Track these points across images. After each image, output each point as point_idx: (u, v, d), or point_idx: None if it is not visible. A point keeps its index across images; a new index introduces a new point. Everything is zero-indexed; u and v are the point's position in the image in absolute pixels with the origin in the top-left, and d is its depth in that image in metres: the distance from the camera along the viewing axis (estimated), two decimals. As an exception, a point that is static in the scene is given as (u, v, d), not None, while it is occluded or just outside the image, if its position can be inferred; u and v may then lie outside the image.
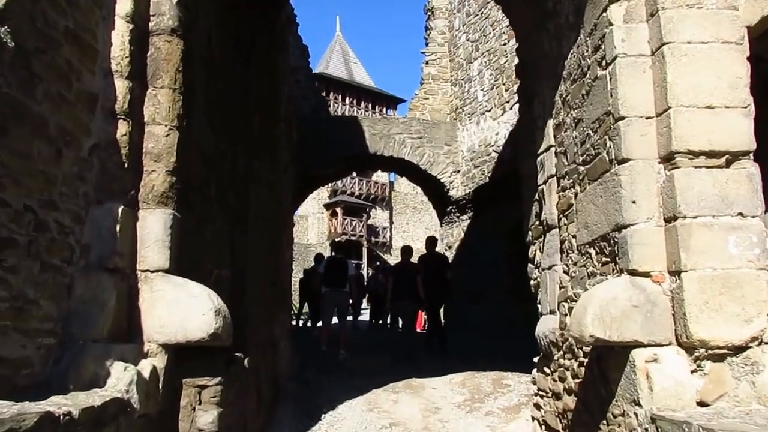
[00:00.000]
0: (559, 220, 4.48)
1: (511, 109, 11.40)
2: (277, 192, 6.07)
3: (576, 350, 4.01)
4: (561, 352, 4.33)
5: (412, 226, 44.24)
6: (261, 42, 5.19)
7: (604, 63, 3.59)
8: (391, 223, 44.09)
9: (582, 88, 3.94)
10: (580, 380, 3.96)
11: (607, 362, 3.45)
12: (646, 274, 3.25)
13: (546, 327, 4.60)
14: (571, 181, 4.20)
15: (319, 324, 12.90)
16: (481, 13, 12.50)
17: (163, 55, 3.38)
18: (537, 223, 5.17)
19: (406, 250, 9.71)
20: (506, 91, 11.57)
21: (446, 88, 13.76)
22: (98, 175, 3.03)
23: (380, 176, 43.69)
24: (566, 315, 4.24)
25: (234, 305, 4.36)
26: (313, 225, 42.05)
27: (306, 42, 13.46)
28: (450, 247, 13.44)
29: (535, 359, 5.11)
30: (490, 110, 12.12)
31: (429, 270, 9.57)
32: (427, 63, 13.89)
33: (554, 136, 4.59)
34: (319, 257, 12.63)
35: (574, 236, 4.14)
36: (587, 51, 3.85)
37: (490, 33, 12.17)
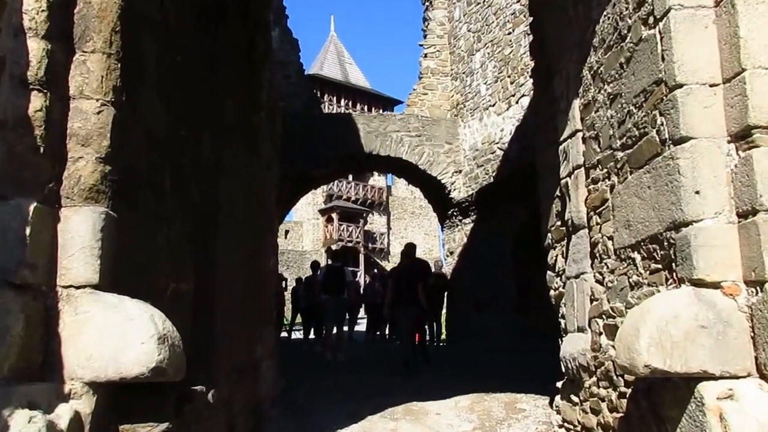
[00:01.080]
0: (589, 219, 3.80)
1: (517, 102, 10.76)
2: (257, 190, 5.38)
3: (615, 378, 3.32)
4: (594, 379, 3.64)
5: (410, 232, 43.66)
6: (232, 14, 4.52)
7: (651, 20, 2.92)
8: (389, 228, 43.50)
9: (620, 56, 3.27)
10: (621, 415, 3.27)
11: (661, 396, 2.76)
12: (716, 285, 2.57)
13: (574, 347, 3.91)
14: (606, 170, 3.52)
15: (312, 336, 12.21)
16: (483, 2, 11.86)
17: (94, 11, 2.69)
18: (559, 223, 4.49)
19: (407, 252, 8.95)
20: (511, 83, 10.93)
21: (446, 83, 13.10)
22: (2, 161, 2.35)
23: (377, 180, 43.15)
24: (601, 334, 3.56)
25: (198, 326, 3.67)
26: (308, 231, 41.44)
27: (300, 43, 12.83)
28: (452, 253, 12.76)
29: (559, 384, 4.42)
30: (494, 105, 11.47)
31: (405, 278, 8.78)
32: (425, 56, 13.24)
33: (581, 118, 3.92)
34: (315, 264, 11.94)
35: (610, 238, 3.46)
36: (627, 9, 3.17)
37: (493, 22, 11.53)
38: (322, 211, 40.73)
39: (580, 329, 3.89)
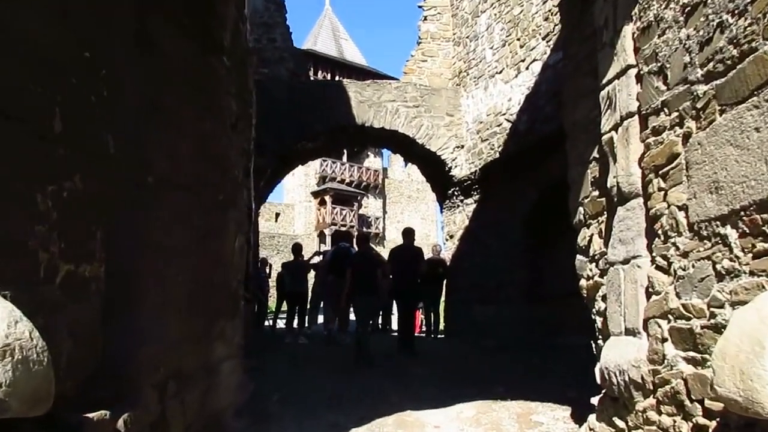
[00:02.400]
0: (647, 184, 2.86)
1: (527, 68, 9.79)
2: (217, 153, 4.44)
3: (690, 404, 2.42)
4: (651, 401, 2.73)
5: (407, 216, 42.81)
6: None
7: None
8: (385, 212, 42.60)
9: (707, -54, 2.33)
10: (697, 456, 2.38)
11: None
12: None
13: (621, 356, 2.99)
14: (676, 115, 2.58)
15: (296, 325, 11.29)
16: (491, -44, 10.84)
17: None
18: (596, 194, 3.57)
19: (361, 238, 9.16)
20: (521, 47, 9.94)
21: (448, 49, 12.09)
22: None
23: (372, 162, 42.23)
24: (665, 340, 2.64)
25: (113, 325, 2.76)
26: (300, 214, 40.52)
27: (293, 17, 11.84)
28: (452, 237, 11.83)
29: (594, 400, 3.51)
30: (500, 72, 10.48)
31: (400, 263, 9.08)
32: (425, 19, 12.21)
33: (636, 49, 2.98)
34: (296, 247, 11.01)
35: (682, 208, 2.54)
36: None
37: (501, -22, 10.51)
38: (315, 194, 39.76)
39: (631, 332, 2.97)
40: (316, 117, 10.97)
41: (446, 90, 11.62)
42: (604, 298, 3.44)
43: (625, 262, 3.03)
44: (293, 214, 41.01)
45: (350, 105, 11.13)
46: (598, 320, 3.56)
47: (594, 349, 3.70)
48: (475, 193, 11.04)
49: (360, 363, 7.50)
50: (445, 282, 11.64)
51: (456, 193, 11.50)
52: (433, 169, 11.92)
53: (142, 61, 3.13)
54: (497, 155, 10.36)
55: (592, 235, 3.65)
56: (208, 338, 4.30)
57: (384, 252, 37.31)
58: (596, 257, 3.58)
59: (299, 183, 40.52)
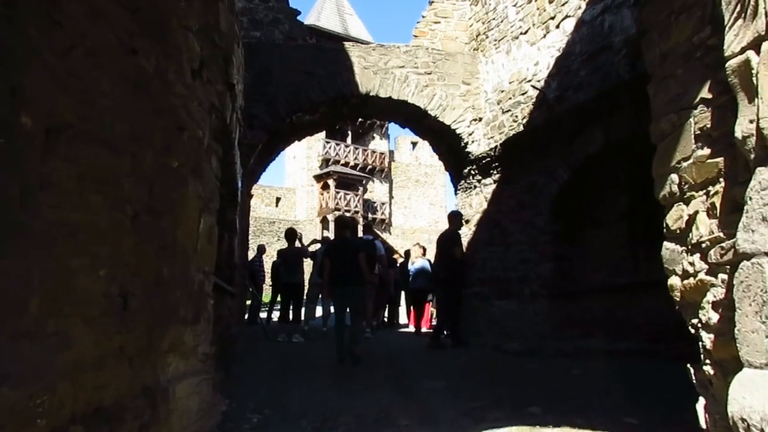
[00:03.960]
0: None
1: (557, 27, 8.67)
2: (166, 104, 3.38)
3: None
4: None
5: (414, 202, 41.83)
6: None
7: None
8: (391, 197, 41.53)
9: None
10: None
11: None
12: None
13: (773, 403, 1.94)
14: None
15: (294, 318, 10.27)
16: None
17: None
18: (704, 153, 2.49)
19: (339, 222, 8.44)
20: (550, 2, 8.82)
21: (464, 9, 10.94)
22: None
23: (378, 144, 41.20)
24: None
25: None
26: (302, 199, 39.55)
27: None
28: (467, 222, 10.76)
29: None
30: (526, 32, 9.36)
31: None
32: (438, -25, 11.07)
33: None
34: (290, 233, 9.96)
35: None
36: None
37: (527, -76, 9.36)
38: (318, 177, 38.75)
39: (790, 366, 1.92)
40: (313, 85, 9.90)
41: (462, 55, 10.50)
42: (716, 305, 2.39)
43: (773, 253, 1.97)
44: (295, 199, 40.04)
45: (353, 72, 10.04)
46: (706, 338, 2.50)
47: (694, 379, 2.65)
48: (495, 172, 9.96)
49: (343, 362, 7.07)
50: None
51: (473, 172, 10.42)
52: (447, 145, 10.84)
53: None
54: (521, 128, 9.28)
55: (696, 213, 2.58)
56: (154, 352, 3.27)
57: (390, 239, 36.31)
58: (703, 245, 2.51)
59: (301, 166, 39.52)
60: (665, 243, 2.84)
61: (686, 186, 2.62)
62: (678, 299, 2.75)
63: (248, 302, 12.43)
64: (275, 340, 9.27)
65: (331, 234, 36.16)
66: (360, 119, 39.40)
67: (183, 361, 3.72)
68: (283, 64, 9.90)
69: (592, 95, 7.82)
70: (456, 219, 9.72)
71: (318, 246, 10.62)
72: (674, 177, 2.72)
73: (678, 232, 2.71)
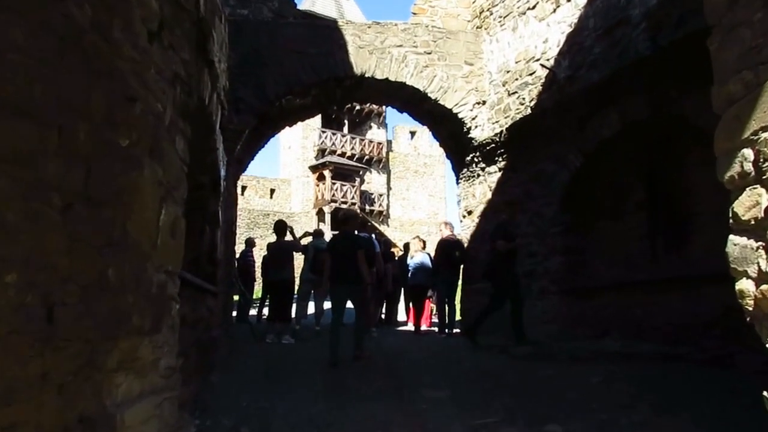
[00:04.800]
0: None
1: (569, 0, 8.08)
2: (110, 67, 2.81)
3: None
4: None
5: (413, 193, 41.31)
6: None
7: None
8: (389, 189, 40.96)
9: None
10: None
11: None
12: None
13: None
14: None
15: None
16: None
17: None
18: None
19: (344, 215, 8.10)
20: (561, -27, 8.23)
21: (466, -16, 10.36)
22: None
23: (376, 134, 40.61)
24: None
25: None
26: (297, 190, 39.01)
27: None
28: (470, 213, 10.20)
29: None
30: (533, 7, 8.78)
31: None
32: (438, -53, 10.46)
33: None
34: (280, 225, 9.37)
35: None
36: None
37: None
38: (313, 168, 38.17)
39: None
40: (305, 66, 9.31)
41: (464, 33, 9.91)
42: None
43: None
44: (290, 190, 39.48)
45: (347, 51, 9.46)
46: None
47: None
48: (500, 159, 9.40)
49: (336, 366, 6.63)
50: (462, 268, 10.06)
51: (476, 159, 9.86)
52: (448, 130, 10.26)
53: None
54: (528, 111, 8.72)
55: (777, 198, 2.03)
56: (97, 371, 2.70)
57: (388, 231, 35.80)
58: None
59: (296, 156, 38.95)
60: (732, 237, 2.28)
61: (766, 164, 2.06)
62: (750, 309, 2.19)
63: (235, 298, 11.88)
64: (264, 341, 8.72)
65: (326, 226, 35.68)
66: (356, 105, 38.85)
67: (138, 380, 3.16)
68: (271, 44, 9.31)
69: (608, 74, 7.25)
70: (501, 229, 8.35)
71: (310, 239, 10.05)
72: (747, 153, 2.15)
73: (752, 223, 2.15)
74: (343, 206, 37.06)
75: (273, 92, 9.29)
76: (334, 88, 9.80)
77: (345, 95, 10.16)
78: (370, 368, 6.58)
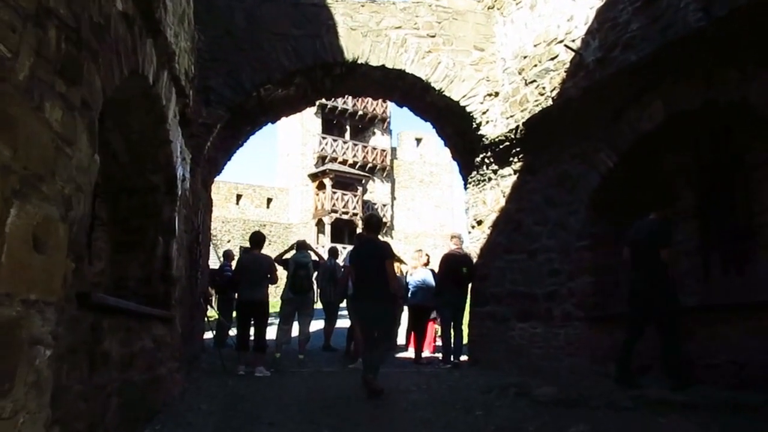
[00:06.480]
0: None
1: (598, -30, 6.94)
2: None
3: None
4: None
5: (418, 203, 40.34)
6: None
7: None
8: (393, 198, 39.97)
9: None
10: None
11: None
12: None
13: None
14: None
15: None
16: None
17: None
18: None
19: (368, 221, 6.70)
20: (589, -62, 7.10)
21: (477, -43, 9.27)
22: None
23: (379, 140, 39.71)
24: None
25: None
26: (296, 200, 38.09)
27: None
28: (480, 223, 9.04)
29: None
30: (556, -20, 7.65)
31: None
32: None
33: None
34: (257, 237, 8.18)
35: None
36: None
37: None
38: (313, 176, 37.26)
39: None
40: (286, 50, 8.25)
41: (474, 14, 8.81)
42: None
43: None
44: (288, 200, 38.53)
45: (337, 33, 8.38)
46: None
47: None
48: (516, 159, 8.27)
49: (374, 396, 5.90)
50: (470, 286, 8.90)
51: (487, 160, 8.72)
52: (455, 127, 9.14)
53: None
54: (550, 103, 7.61)
55: None
56: None
57: (392, 244, 34.81)
58: None
59: (295, 164, 38.01)
60: None
61: None
62: None
63: (211, 319, 10.74)
64: (235, 373, 7.54)
65: (326, 238, 34.53)
66: (359, 110, 37.86)
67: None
68: (248, 24, 8.25)
69: (649, 54, 6.13)
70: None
71: (293, 252, 8.89)
72: None
73: None
74: (345, 217, 36.06)
75: (249, 81, 8.22)
76: (321, 76, 8.69)
77: (334, 85, 9.04)
78: (351, 419, 5.34)
